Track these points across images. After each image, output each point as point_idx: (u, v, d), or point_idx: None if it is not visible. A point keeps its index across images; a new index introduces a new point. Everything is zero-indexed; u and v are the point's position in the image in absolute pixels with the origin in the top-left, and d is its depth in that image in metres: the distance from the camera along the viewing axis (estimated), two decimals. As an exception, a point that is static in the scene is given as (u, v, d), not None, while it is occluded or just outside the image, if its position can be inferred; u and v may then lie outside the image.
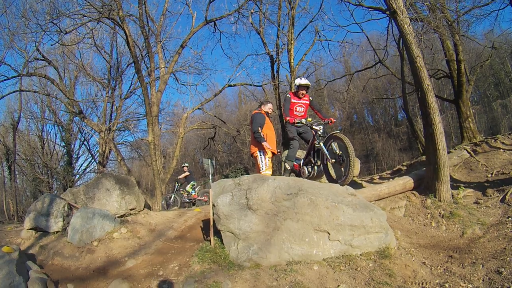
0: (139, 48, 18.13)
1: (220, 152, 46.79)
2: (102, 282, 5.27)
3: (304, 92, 8.54)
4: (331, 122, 8.34)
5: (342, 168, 7.50)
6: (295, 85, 8.66)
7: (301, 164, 8.44)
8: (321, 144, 7.78)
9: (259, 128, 8.15)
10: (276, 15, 20.15)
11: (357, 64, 43.35)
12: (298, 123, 8.28)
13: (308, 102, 8.68)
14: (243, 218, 5.61)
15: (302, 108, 8.58)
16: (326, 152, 7.66)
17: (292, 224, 5.45)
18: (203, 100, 20.24)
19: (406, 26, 8.79)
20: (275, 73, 20.53)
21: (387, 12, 9.84)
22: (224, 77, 67.49)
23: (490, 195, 8.84)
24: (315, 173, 8.12)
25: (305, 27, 21.50)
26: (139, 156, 26.05)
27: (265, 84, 21.13)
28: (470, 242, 6.74)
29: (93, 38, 17.39)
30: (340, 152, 7.51)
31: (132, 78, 22.54)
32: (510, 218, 7.41)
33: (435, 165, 8.59)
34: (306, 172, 8.18)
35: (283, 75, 21.62)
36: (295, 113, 8.52)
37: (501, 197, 8.50)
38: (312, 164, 8.16)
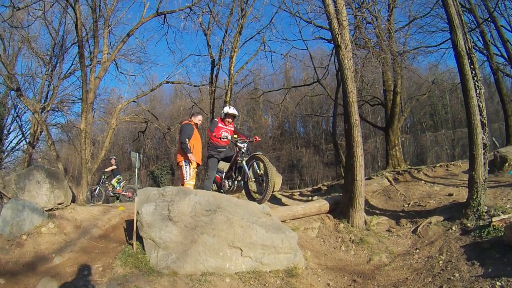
0: (86, 29, 17.84)
1: (149, 146, 46.31)
2: (32, 278, 5.31)
3: (230, 120, 8.84)
4: (255, 140, 8.63)
5: (261, 188, 7.82)
6: (222, 112, 8.89)
7: (223, 177, 8.68)
8: (244, 162, 8.05)
9: (187, 139, 8.40)
10: (226, 20, 20.20)
11: (297, 75, 44.26)
12: (223, 138, 8.46)
13: (233, 129, 8.92)
14: (164, 228, 5.88)
15: (227, 133, 8.68)
16: (247, 171, 7.95)
17: (208, 239, 5.78)
18: (139, 92, 20.38)
19: (346, 61, 9.25)
20: (214, 76, 20.64)
21: (332, 42, 10.29)
22: (164, 71, 66.50)
23: (403, 225, 9.35)
24: (235, 188, 8.43)
25: (252, 37, 21.61)
26: (69, 140, 25.32)
27: (203, 85, 21.25)
28: (375, 269, 7.20)
29: (44, 9, 16.64)
30: (261, 172, 7.81)
31: (74, 59, 21.81)
32: (417, 250, 7.89)
33: (351, 193, 9.07)
34: (227, 185, 8.47)
35: (221, 79, 21.99)
36: (219, 133, 8.64)
37: (413, 228, 9.00)
38: (233, 179, 8.44)
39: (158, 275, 5.47)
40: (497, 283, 5.76)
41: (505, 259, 6.37)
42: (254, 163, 8.02)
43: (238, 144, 8.29)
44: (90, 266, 5.68)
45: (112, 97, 22.45)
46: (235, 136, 8.66)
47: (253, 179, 8.01)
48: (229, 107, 8.88)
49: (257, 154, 7.90)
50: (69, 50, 22.36)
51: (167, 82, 20.38)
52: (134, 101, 19.92)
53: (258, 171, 7.94)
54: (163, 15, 18.53)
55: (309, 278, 6.18)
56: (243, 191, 8.56)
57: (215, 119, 8.95)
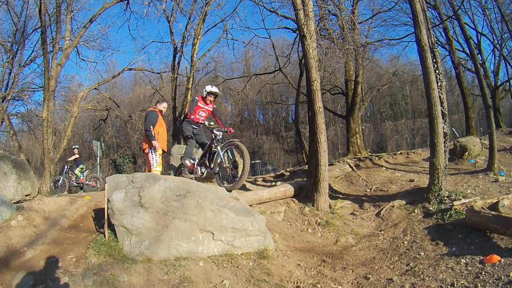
0: (48, 14, 17.40)
1: (109, 134, 45.62)
2: (6, 274, 5.21)
3: (212, 99, 8.87)
4: (229, 131, 8.66)
5: (235, 174, 7.94)
6: (204, 90, 8.86)
7: (195, 164, 8.69)
8: (219, 148, 8.10)
9: (151, 126, 8.46)
10: (189, 7, 20.23)
11: (257, 64, 44.32)
12: (199, 124, 8.66)
13: (211, 110, 9.00)
14: (136, 214, 5.89)
15: (205, 114, 8.89)
16: (222, 157, 8.04)
17: (180, 223, 5.84)
18: (100, 79, 20.20)
19: (311, 50, 9.42)
20: (176, 64, 20.75)
21: (297, 32, 10.43)
22: (125, 58, 65.43)
23: (366, 209, 9.69)
24: (207, 175, 8.45)
25: (215, 25, 21.76)
26: (29, 130, 24.74)
27: (164, 72, 21.27)
28: (343, 250, 7.43)
29: None
30: (235, 159, 8.02)
31: (35, 45, 21.08)
32: (382, 232, 8.19)
33: (315, 178, 9.33)
34: (199, 172, 8.47)
35: (182, 66, 22.20)
36: (197, 116, 8.74)
37: (376, 211, 9.35)
38: (206, 166, 8.46)
39: (132, 262, 5.47)
40: (462, 260, 6.11)
41: (468, 239, 6.75)
42: (231, 150, 8.14)
43: (214, 131, 8.34)
44: (64, 257, 5.61)
45: (72, 85, 22.14)
46: (212, 123, 8.69)
47: (228, 165, 8.09)
48: (212, 86, 8.91)
49: (234, 141, 7.97)
50: (30, 36, 21.65)
51: (129, 69, 20.36)
52: (95, 89, 19.84)
53: (232, 158, 8.13)
54: (127, 1, 18.48)
55: (279, 259, 6.33)
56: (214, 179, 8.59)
57: (196, 97, 8.93)
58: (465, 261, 6.11)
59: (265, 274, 5.68)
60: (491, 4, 24.01)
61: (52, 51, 16.43)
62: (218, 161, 8.19)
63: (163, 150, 8.77)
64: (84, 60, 20.35)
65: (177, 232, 5.78)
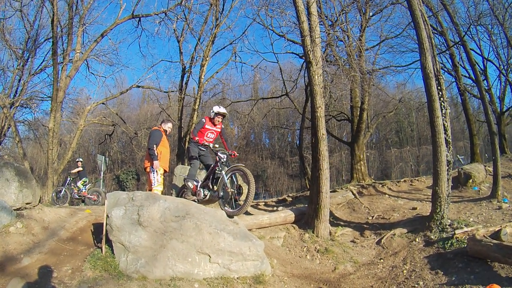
0: (60, 26, 17.50)
1: (115, 150, 45.71)
2: (1, 279, 5.23)
3: (220, 120, 8.79)
4: (233, 155, 8.63)
5: (238, 200, 7.73)
6: (212, 111, 8.77)
7: (198, 186, 8.53)
8: (223, 172, 7.97)
9: (155, 146, 8.40)
10: (200, 28, 20.27)
11: (265, 87, 44.23)
12: (205, 145, 8.58)
13: (219, 131, 8.93)
14: (134, 232, 5.91)
15: (213, 135, 8.85)
16: (226, 181, 7.85)
17: (177, 244, 5.84)
18: (108, 94, 20.37)
19: (316, 77, 9.45)
20: (183, 83, 20.70)
21: (303, 58, 10.48)
22: (133, 75, 65.79)
23: (367, 236, 9.59)
24: (210, 198, 8.32)
25: (224, 47, 21.75)
26: (35, 138, 24.78)
27: (172, 91, 21.26)
28: (341, 277, 7.35)
29: (21, 1, 16.67)
30: (239, 184, 7.89)
31: (46, 55, 21.04)
32: (381, 260, 8.10)
33: (316, 205, 9.30)
34: (202, 194, 8.30)
35: (190, 87, 21.94)
36: (205, 137, 8.69)
37: (377, 239, 9.25)
38: (209, 189, 8.34)
39: (127, 279, 5.47)
40: None
41: (469, 269, 6.67)
42: (235, 174, 7.99)
43: (219, 154, 8.29)
44: (59, 268, 5.61)
45: (80, 98, 22.06)
46: (216, 145, 8.62)
47: (231, 190, 7.85)
48: (219, 106, 8.85)
49: (239, 166, 7.89)
50: (41, 45, 21.67)
51: (137, 86, 20.37)
52: (103, 103, 19.86)
53: (236, 182, 7.94)
54: (138, 18, 18.59)
55: (276, 285, 6.29)
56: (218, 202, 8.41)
57: (202, 119, 8.86)
58: (464, 291, 6.05)
59: (261, 300, 5.61)
60: (497, 30, 24.14)
61: (63, 62, 16.58)
62: (222, 185, 8.05)
63: (165, 170, 8.74)
64: (93, 74, 20.47)
65: (174, 253, 5.78)
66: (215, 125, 8.78)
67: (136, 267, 5.67)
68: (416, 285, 6.62)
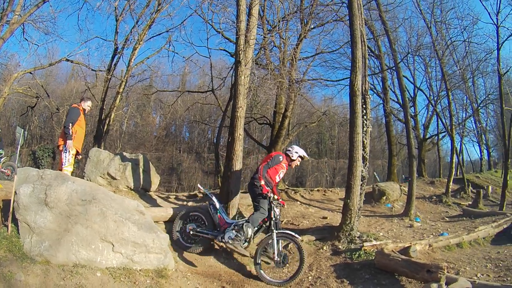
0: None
1: (35, 123, 43.97)
2: None
3: (298, 164, 8.29)
4: (282, 205, 7.96)
5: (284, 270, 7.44)
6: (296, 152, 8.05)
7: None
8: (274, 236, 7.26)
9: (70, 124, 8.17)
10: (141, 10, 20.02)
11: (193, 81, 44.47)
12: (271, 197, 7.53)
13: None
14: (40, 213, 5.65)
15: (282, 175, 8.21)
16: (275, 247, 7.21)
17: (82, 229, 5.66)
18: (38, 64, 19.61)
19: (243, 77, 9.44)
20: (113, 64, 20.38)
21: (234, 57, 10.51)
22: (66, 48, 63.17)
23: (276, 241, 9.76)
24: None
25: (160, 33, 21.48)
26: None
27: (100, 71, 20.73)
28: (245, 278, 7.38)
29: None
30: (286, 252, 7.57)
31: None
32: (287, 265, 7.91)
33: (225, 204, 9.20)
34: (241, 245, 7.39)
35: (119, 69, 21.66)
36: (276, 177, 7.93)
37: (284, 244, 9.34)
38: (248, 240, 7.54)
39: (31, 262, 5.24)
40: None
41: (375, 280, 6.92)
42: (282, 240, 7.59)
43: (274, 208, 7.53)
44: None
45: (10, 64, 21.30)
46: (275, 196, 7.66)
47: (277, 259, 7.22)
48: (304, 151, 8.17)
49: (295, 237, 7.26)
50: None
51: (67, 60, 19.72)
52: (30, 73, 19.08)
53: (284, 250, 7.76)
54: (83, -12, 17.91)
55: (178, 280, 6.24)
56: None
57: (280, 156, 7.97)
58: (369, 302, 6.26)
59: (162, 294, 5.55)
60: (434, 63, 25.50)
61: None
62: (265, 247, 7.43)
63: (77, 151, 8.52)
64: (27, 40, 19.31)
65: (78, 238, 5.59)
66: (286, 167, 8.09)
67: (40, 250, 5.44)
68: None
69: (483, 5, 17.99)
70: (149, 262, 6.11)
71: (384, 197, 16.95)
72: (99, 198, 6.10)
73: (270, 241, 7.31)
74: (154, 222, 7.14)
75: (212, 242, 7.99)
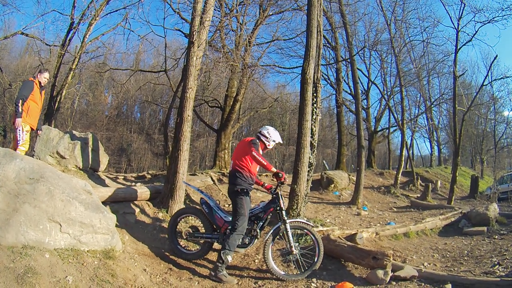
0: None
1: (-14, 100, 42.52)
2: None
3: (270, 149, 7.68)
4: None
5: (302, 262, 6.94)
6: (273, 141, 7.43)
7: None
8: (288, 226, 6.91)
9: (21, 101, 7.93)
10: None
11: (147, 60, 44.42)
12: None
13: None
14: (-12, 193, 5.52)
15: None
16: (291, 238, 6.89)
17: (30, 209, 5.54)
18: (-7, 37, 18.78)
19: (195, 58, 9.49)
20: (67, 39, 19.96)
21: (188, 37, 10.49)
22: (22, 20, 60.68)
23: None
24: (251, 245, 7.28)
25: (117, 10, 21.04)
26: None
27: (54, 46, 20.28)
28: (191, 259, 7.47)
29: None
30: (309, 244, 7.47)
31: None
32: None
33: (172, 185, 9.30)
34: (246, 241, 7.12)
35: (73, 45, 21.52)
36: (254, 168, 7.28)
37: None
38: (253, 236, 7.19)
39: (-19, 244, 5.12)
40: (312, 284, 6.50)
41: (321, 265, 7.01)
42: (299, 231, 7.44)
43: (280, 196, 7.13)
44: None
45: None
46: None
47: (296, 251, 6.89)
48: (278, 134, 7.49)
49: (308, 225, 7.14)
50: None
51: (22, 33, 19.17)
52: (-17, 45, 18.44)
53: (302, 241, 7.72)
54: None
55: (126, 261, 6.24)
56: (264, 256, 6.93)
57: (254, 140, 7.15)
58: (315, 285, 6.48)
59: (110, 275, 5.57)
60: (391, 59, 26.23)
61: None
62: (286, 242, 7.02)
63: (32, 128, 8.32)
64: None
65: (26, 218, 5.47)
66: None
67: None
68: (267, 274, 6.90)
69: (446, 9, 19.03)
70: (96, 243, 6.06)
71: (332, 185, 17.38)
72: (46, 176, 5.97)
73: (286, 234, 6.92)
74: (102, 202, 7.06)
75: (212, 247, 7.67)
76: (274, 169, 6.69)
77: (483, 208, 12.22)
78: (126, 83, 27.35)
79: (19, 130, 8.00)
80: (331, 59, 25.39)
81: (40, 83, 8.50)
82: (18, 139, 8.01)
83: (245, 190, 6.93)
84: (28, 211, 5.51)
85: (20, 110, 7.88)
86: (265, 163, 6.64)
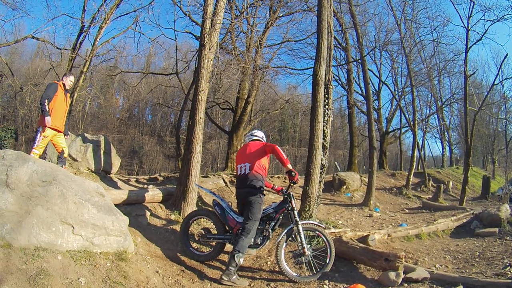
0: None
1: (-2, 102, 42.88)
2: None
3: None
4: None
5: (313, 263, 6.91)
6: (263, 138, 7.76)
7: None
8: (300, 227, 6.88)
9: (46, 100, 7.90)
10: (109, -12, 19.44)
11: (158, 63, 44.95)
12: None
13: None
14: (1, 194, 5.53)
15: None
16: (303, 239, 6.87)
17: (42, 211, 5.56)
18: (3, 41, 19.11)
19: (206, 60, 9.49)
20: (78, 43, 19.68)
21: (199, 40, 10.50)
22: (32, 25, 61.25)
23: (234, 225, 9.88)
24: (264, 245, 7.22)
25: (128, 13, 20.73)
26: None
27: (65, 49, 20.34)
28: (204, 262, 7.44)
29: None
30: (321, 246, 7.30)
31: None
32: None
33: (185, 187, 9.32)
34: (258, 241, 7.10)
35: (84, 48, 21.35)
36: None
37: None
38: (265, 236, 7.15)
39: (-8, 246, 5.14)
40: (325, 286, 6.48)
41: (333, 267, 6.96)
42: (311, 232, 7.34)
43: (293, 199, 7.11)
44: None
45: (-26, 39, 20.58)
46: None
47: (308, 253, 6.85)
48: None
49: (319, 226, 7.11)
50: None
51: (33, 37, 19.05)
52: (-5, 49, 18.57)
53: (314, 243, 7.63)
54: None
55: (138, 263, 6.25)
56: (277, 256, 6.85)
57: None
58: (327, 287, 6.46)
59: (122, 277, 5.57)
60: (401, 59, 26.08)
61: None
62: (298, 243, 6.97)
63: (58, 131, 8.31)
64: None
65: (39, 220, 5.49)
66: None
67: (1, 233, 5.28)
68: (280, 276, 6.87)
69: (455, 8, 18.71)
70: (109, 245, 6.08)
71: (344, 187, 17.29)
72: (59, 179, 6.00)
73: (299, 235, 6.88)
74: (114, 204, 7.06)
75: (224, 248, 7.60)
76: (290, 166, 6.66)
77: (494, 209, 12.14)
78: (137, 85, 27.31)
79: (39, 132, 8.02)
80: (342, 60, 25.30)
81: (64, 85, 8.52)
82: (35, 141, 8.01)
83: (264, 194, 7.02)
84: (41, 214, 5.52)
85: (47, 109, 7.87)
86: (285, 157, 6.74)
